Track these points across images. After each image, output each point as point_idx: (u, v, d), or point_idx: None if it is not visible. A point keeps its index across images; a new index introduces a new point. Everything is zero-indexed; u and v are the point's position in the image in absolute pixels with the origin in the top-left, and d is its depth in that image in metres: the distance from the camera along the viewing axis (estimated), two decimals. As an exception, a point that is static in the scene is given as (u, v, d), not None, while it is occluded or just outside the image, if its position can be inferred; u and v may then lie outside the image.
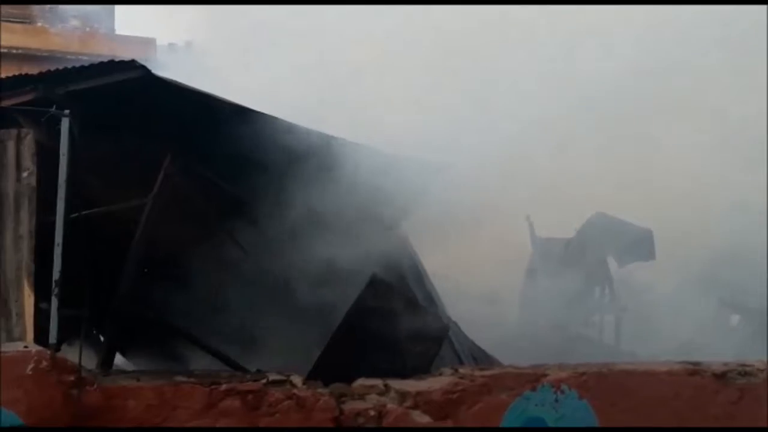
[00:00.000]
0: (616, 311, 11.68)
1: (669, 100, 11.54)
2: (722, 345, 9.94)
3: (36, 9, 42.13)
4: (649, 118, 11.51)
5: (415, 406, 7.09)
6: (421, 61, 11.37)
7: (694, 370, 7.76)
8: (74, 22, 41.89)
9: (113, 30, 41.46)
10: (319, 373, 7.27)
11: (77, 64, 8.36)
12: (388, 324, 7.93)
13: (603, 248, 11.45)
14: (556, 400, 7.36)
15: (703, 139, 11.46)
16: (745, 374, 7.81)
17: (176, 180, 8.51)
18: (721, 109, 11.38)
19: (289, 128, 8.17)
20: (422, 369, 7.66)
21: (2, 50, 39.35)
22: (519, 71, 10.73)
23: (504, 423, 7.24)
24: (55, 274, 7.01)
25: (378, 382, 7.14)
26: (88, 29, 40.02)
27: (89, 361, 8.29)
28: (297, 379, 7.00)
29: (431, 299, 9.60)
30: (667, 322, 11.26)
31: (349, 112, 9.68)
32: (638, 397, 7.59)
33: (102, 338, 9.59)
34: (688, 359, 8.02)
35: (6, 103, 7.98)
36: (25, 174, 7.75)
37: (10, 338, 7.37)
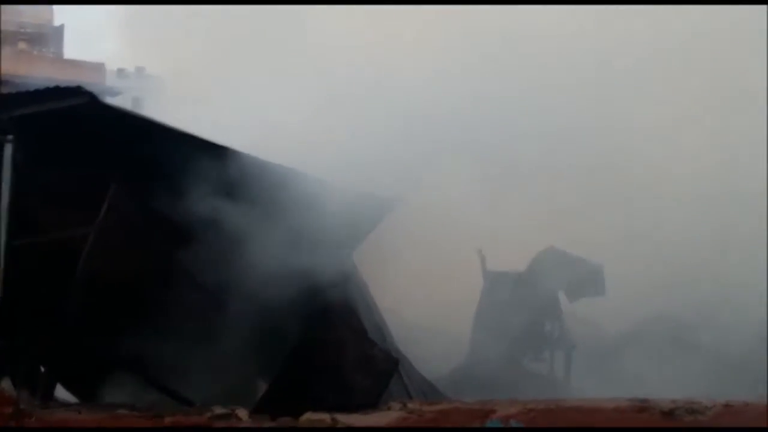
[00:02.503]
0: (566, 347, 11.72)
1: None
2: (671, 382, 10.01)
3: (-20, 27, 41.75)
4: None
5: (363, 441, 7.07)
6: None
7: (642, 407, 7.79)
8: (22, 45, 41.61)
9: (62, 54, 41.23)
10: (266, 407, 7.23)
11: (24, 89, 8.29)
12: (336, 356, 7.91)
13: (554, 283, 11.50)
14: (504, 434, 7.36)
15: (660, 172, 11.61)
16: (693, 411, 7.85)
17: (121, 209, 8.44)
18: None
19: (240, 157, 8.16)
20: (371, 403, 7.63)
21: (-54, 73, 38.97)
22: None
23: None
24: (-6, 302, 6.94)
25: (326, 416, 7.10)
26: (35, 52, 39.81)
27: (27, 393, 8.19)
28: (242, 413, 6.96)
29: (381, 333, 9.58)
30: (618, 359, 11.33)
31: (301, 141, 9.69)
32: (588, 434, 7.61)
33: (43, 369, 9.44)
34: (637, 396, 8.05)
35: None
36: (-34, 201, 7.65)
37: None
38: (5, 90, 8.43)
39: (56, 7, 42.70)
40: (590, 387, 10.60)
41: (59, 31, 41.89)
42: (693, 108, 11.73)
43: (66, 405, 8.10)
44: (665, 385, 9.40)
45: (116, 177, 8.37)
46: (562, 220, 11.60)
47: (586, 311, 12.16)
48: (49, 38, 41.94)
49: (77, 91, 7.71)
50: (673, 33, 11.97)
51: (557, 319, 11.75)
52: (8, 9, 44.05)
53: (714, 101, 11.62)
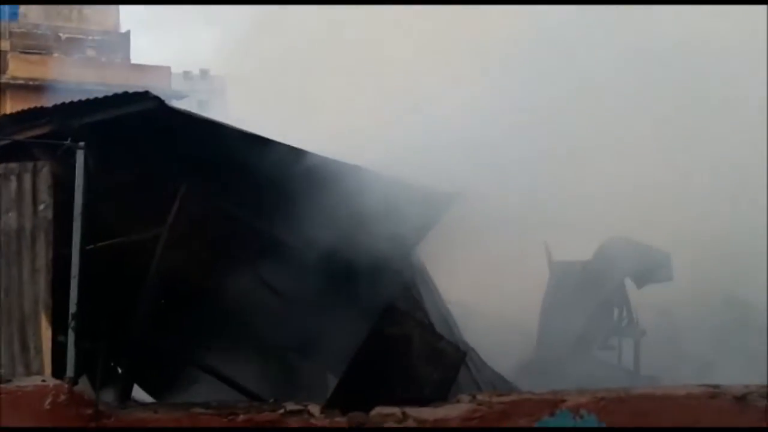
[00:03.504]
0: (634, 334, 11.61)
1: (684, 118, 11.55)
2: (744, 366, 9.87)
3: (52, 40, 42.63)
4: (664, 140, 11.52)
5: (433, 433, 7.06)
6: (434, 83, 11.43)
7: (714, 393, 7.68)
8: (90, 53, 42.27)
9: (129, 59, 41.89)
10: (337, 402, 7.25)
11: (93, 95, 8.41)
12: (404, 351, 7.92)
13: (620, 271, 11.39)
14: (575, 426, 7.32)
15: (722, 159, 11.44)
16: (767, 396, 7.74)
17: (192, 210, 8.53)
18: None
19: (307, 157, 8.21)
20: (440, 396, 7.62)
21: (20, 81, 39.89)
22: (530, 101, 10.77)
23: None
24: (72, 307, 7.06)
25: (396, 410, 7.10)
26: (103, 59, 40.45)
27: (107, 393, 8.34)
28: (314, 409, 6.98)
29: (448, 326, 9.58)
30: (687, 344, 11.20)
31: (363, 138, 9.72)
32: (658, 421, 7.53)
33: (120, 370, 9.60)
34: (708, 382, 7.95)
35: (22, 136, 8.04)
36: (41, 207, 7.78)
37: (29, 372, 7.39)
38: (75, 97, 8.54)
39: (122, 13, 43.43)
40: (661, 374, 10.49)
41: (126, 37, 42.58)
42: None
43: (143, 405, 8.22)
44: (736, 371, 9.27)
45: (186, 178, 8.47)
46: (631, 207, 11.46)
47: (655, 297, 12.01)
48: (116, 45, 42.57)
49: (145, 96, 7.79)
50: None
51: (625, 307, 11.63)
52: (75, 17, 45.07)
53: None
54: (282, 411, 6.87)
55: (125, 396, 8.92)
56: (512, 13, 11.93)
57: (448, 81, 11.51)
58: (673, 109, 11.44)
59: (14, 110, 8.97)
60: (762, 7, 10.91)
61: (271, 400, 7.52)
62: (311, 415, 6.89)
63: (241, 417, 6.75)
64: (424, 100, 10.97)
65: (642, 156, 11.49)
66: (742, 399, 7.67)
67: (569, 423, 7.32)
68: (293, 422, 6.79)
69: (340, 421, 6.93)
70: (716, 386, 7.80)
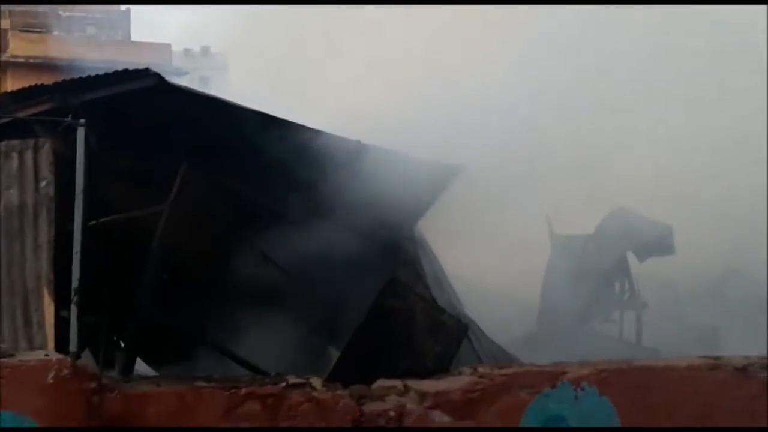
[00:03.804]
0: (636, 307, 11.63)
1: (687, 92, 11.53)
2: (745, 339, 9.90)
3: (52, 18, 42.55)
4: (667, 110, 11.49)
5: (435, 406, 7.07)
6: (433, 63, 11.42)
7: (715, 365, 7.71)
8: (90, 30, 42.20)
9: (129, 37, 41.79)
10: (339, 375, 7.28)
11: (94, 73, 8.41)
12: (406, 324, 7.94)
13: (622, 244, 11.40)
14: (576, 398, 7.33)
15: (724, 133, 11.43)
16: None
17: (194, 186, 8.55)
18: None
19: (308, 133, 8.21)
20: (442, 369, 7.65)
21: (20, 60, 39.87)
22: (530, 72, 10.75)
23: (524, 421, 7.22)
24: (74, 282, 7.08)
25: (397, 382, 7.13)
26: (104, 37, 40.39)
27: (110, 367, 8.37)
28: (316, 382, 7.00)
29: (450, 299, 9.61)
30: (689, 317, 11.22)
31: (363, 115, 9.71)
32: (659, 393, 7.55)
33: (122, 344, 9.65)
34: (709, 353, 7.97)
35: (23, 113, 8.05)
36: (43, 183, 7.78)
37: (32, 347, 7.41)
38: (76, 75, 8.54)
39: (122, -9, 43.43)
40: (662, 346, 10.52)
41: (126, 15, 42.49)
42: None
43: (146, 378, 8.25)
44: (739, 342, 9.30)
45: (187, 155, 8.48)
46: (633, 181, 11.47)
47: (658, 270, 12.03)
48: (116, 22, 42.53)
49: (145, 73, 7.80)
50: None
51: (627, 280, 11.66)
52: None
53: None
54: (284, 384, 6.89)
55: (128, 370, 8.97)
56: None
57: (453, 63, 11.50)
58: (672, 84, 11.42)
59: (15, 88, 8.97)
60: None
61: (273, 374, 7.55)
62: (313, 388, 6.92)
63: (244, 390, 6.77)
64: (427, 79, 10.96)
65: (643, 132, 11.48)
66: (742, 370, 7.70)
67: (570, 395, 7.34)
68: (295, 395, 6.81)
69: (342, 393, 6.95)
70: (717, 358, 7.84)
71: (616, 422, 7.41)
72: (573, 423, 7.33)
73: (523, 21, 11.57)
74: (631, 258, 11.88)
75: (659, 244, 11.49)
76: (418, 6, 12.61)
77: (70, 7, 43.95)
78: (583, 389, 7.34)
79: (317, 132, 8.27)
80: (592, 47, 11.36)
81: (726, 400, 7.65)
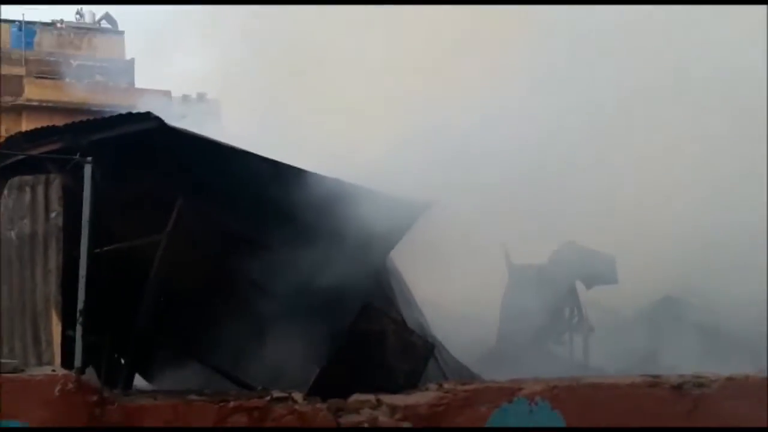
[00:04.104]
0: (584, 331, 11.63)
1: (632, 135, 11.49)
2: (680, 359, 9.91)
3: (64, 66, 42.58)
4: (610, 152, 11.47)
5: (405, 419, 7.07)
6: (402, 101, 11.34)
7: (654, 383, 7.75)
8: (98, 78, 42.25)
9: (133, 84, 41.74)
10: (318, 390, 7.25)
11: (101, 115, 8.40)
12: (379, 344, 7.93)
13: (571, 274, 11.42)
14: (531, 411, 7.34)
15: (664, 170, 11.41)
16: (700, 385, 7.80)
17: (188, 219, 8.51)
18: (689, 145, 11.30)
19: (293, 171, 8.20)
20: (411, 385, 7.63)
21: (34, 103, 39.77)
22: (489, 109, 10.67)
23: None
24: (80, 305, 7.02)
25: (371, 397, 7.12)
26: (110, 84, 40.35)
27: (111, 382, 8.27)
28: (298, 396, 6.98)
29: (418, 322, 9.58)
30: (631, 339, 11.22)
31: (340, 152, 9.69)
32: (604, 408, 7.57)
33: (123, 361, 9.55)
34: (649, 373, 8.00)
35: (36, 151, 8.03)
36: (52, 215, 7.78)
37: (40, 363, 7.36)
38: (84, 117, 8.52)
39: (128, 42, 43.39)
40: (607, 366, 10.51)
41: (130, 64, 42.48)
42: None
43: (144, 392, 8.18)
44: (674, 362, 9.31)
45: (183, 191, 8.45)
46: (582, 216, 11.43)
47: (603, 297, 12.02)
48: (122, 71, 42.54)
49: (147, 117, 7.80)
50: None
51: (576, 306, 11.66)
52: (85, 45, 45.15)
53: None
54: (269, 398, 6.88)
55: (127, 385, 8.86)
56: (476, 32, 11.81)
57: (420, 102, 11.44)
58: (611, 123, 11.36)
59: (29, 129, 8.93)
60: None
61: (259, 388, 7.51)
62: (295, 401, 6.90)
63: (232, 403, 6.75)
64: (401, 122, 10.93)
65: (591, 172, 11.47)
66: (678, 388, 7.74)
67: (525, 409, 7.34)
68: (279, 408, 6.80)
69: (321, 407, 6.94)
70: (656, 376, 7.87)
71: (566, 434, 7.43)
72: (528, 434, 7.35)
73: (475, 59, 11.52)
74: (579, 286, 11.87)
75: (603, 274, 11.50)
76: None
77: (80, 56, 44.11)
78: (536, 404, 7.35)
79: (300, 170, 8.26)
80: (543, 85, 11.30)
81: (664, 414, 7.69)
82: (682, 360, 8.50)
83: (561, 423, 7.40)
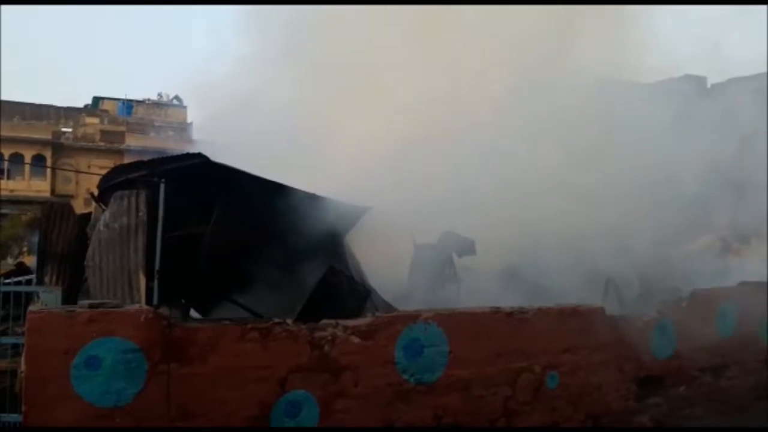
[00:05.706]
0: (457, 282, 11.69)
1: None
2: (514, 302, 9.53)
3: (148, 125, 42.71)
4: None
5: (352, 334, 7.04)
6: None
7: (496, 311, 7.85)
8: (170, 133, 41.98)
9: (191, 137, 41.16)
10: (301, 317, 7.20)
11: (169, 155, 8.29)
12: (338, 290, 7.90)
13: (450, 248, 11.47)
14: (425, 329, 7.35)
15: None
16: (522, 312, 7.94)
17: (223, 217, 8.38)
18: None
19: (284, 189, 8.07)
20: (356, 314, 7.63)
21: (131, 147, 39.44)
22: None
23: (398, 342, 7.12)
24: (156, 266, 6.90)
25: (333, 321, 7.08)
26: (177, 137, 39.98)
27: (175, 313, 8.10)
28: (289, 321, 6.92)
29: (362, 278, 9.53)
30: (484, 289, 11.13)
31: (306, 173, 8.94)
32: (469, 326, 7.64)
33: (183, 301, 9.36)
34: (495, 305, 8.05)
35: (132, 176, 7.90)
36: (140, 214, 7.65)
37: (132, 302, 7.21)
38: (160, 156, 8.38)
39: (189, 111, 42.98)
40: (470, 302, 10.47)
41: (190, 125, 42.39)
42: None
43: (196, 320, 8.04)
44: (512, 303, 9.13)
45: (220, 201, 8.32)
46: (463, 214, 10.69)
47: (468, 262, 11.88)
48: (186, 127, 42.53)
49: (198, 155, 7.72)
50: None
51: (452, 268, 11.70)
52: (163, 114, 45.07)
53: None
54: (271, 322, 6.80)
55: (186, 316, 8.70)
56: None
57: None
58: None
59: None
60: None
61: (265, 317, 7.42)
62: (287, 324, 6.84)
63: (249, 326, 6.67)
64: (371, 155, 9.51)
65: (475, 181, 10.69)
66: (510, 314, 7.83)
67: (422, 327, 7.25)
68: (277, 328, 6.74)
69: (303, 327, 6.88)
70: (497, 307, 7.95)
71: (446, 343, 7.33)
72: (425, 343, 7.25)
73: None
74: (455, 257, 11.84)
75: (468, 249, 11.53)
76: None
77: (159, 120, 44.46)
78: (429, 324, 7.37)
79: (288, 188, 8.17)
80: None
81: (501, 330, 7.79)
82: (514, 302, 8.49)
83: (443, 337, 7.34)
